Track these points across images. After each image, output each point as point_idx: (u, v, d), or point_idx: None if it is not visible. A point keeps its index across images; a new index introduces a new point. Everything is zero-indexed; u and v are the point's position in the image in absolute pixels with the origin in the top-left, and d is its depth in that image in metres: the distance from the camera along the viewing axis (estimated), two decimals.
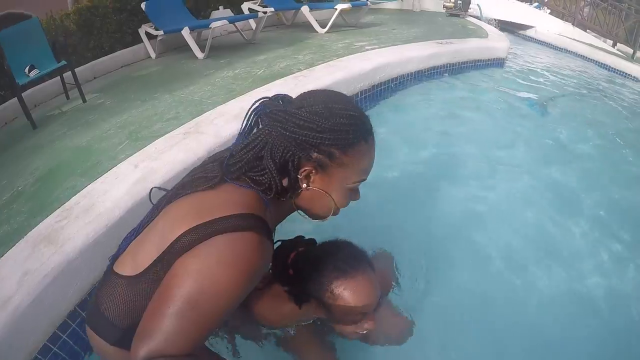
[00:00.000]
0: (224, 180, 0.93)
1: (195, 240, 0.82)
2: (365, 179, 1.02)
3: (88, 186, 1.92)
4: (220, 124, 2.41)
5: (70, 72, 3.84)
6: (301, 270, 1.17)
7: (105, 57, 5.09)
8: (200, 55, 4.79)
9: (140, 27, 5.32)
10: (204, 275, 0.79)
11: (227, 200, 0.89)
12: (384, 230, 2.00)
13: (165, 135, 2.33)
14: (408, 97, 3.93)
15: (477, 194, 2.46)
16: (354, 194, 1.04)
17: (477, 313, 1.72)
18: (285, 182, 0.96)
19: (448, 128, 3.30)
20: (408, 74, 4.13)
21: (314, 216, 1.05)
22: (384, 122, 3.24)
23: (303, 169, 0.94)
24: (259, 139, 0.93)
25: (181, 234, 0.84)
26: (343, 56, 4.04)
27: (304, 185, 0.96)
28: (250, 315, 1.25)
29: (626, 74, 7.51)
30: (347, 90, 3.26)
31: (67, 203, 1.81)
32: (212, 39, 4.85)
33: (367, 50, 4.35)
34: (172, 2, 5.35)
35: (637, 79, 7.34)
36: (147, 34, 5.25)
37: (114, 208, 1.70)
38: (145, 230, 1.00)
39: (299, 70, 3.61)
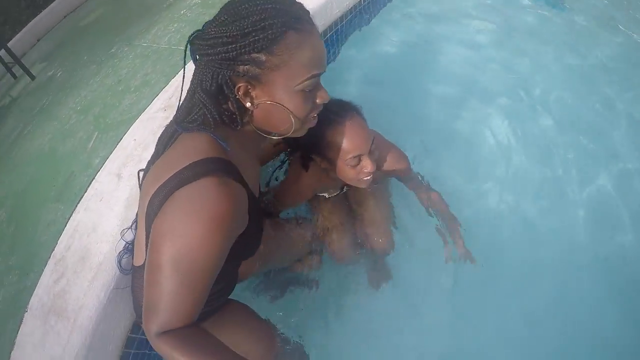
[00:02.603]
0: (179, 133, 0.92)
1: (160, 202, 0.81)
2: (319, 73, 0.88)
3: (71, 219, 1.44)
4: None
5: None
6: (298, 139, 1.08)
7: (43, 12, 4.21)
8: None
9: None
10: (174, 235, 0.77)
11: (180, 153, 0.87)
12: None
13: (140, 117, 1.75)
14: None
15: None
16: (313, 94, 0.92)
17: None
18: (232, 108, 0.89)
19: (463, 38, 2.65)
20: None
21: (281, 133, 0.94)
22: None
23: (237, 88, 0.86)
24: (193, 79, 0.89)
25: (149, 201, 0.84)
26: None
27: (249, 104, 0.88)
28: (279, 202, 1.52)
29: None
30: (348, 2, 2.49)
31: (55, 250, 1.38)
32: None
33: None
34: None
35: None
36: None
37: (114, 251, 1.28)
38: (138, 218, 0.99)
39: None
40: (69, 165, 1.75)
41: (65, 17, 4.28)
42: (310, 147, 1.30)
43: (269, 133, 0.95)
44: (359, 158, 1.25)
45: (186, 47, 0.90)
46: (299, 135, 0.99)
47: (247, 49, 0.81)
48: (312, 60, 0.86)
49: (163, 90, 1.88)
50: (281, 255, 1.53)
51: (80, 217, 1.44)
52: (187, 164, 0.80)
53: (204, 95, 0.86)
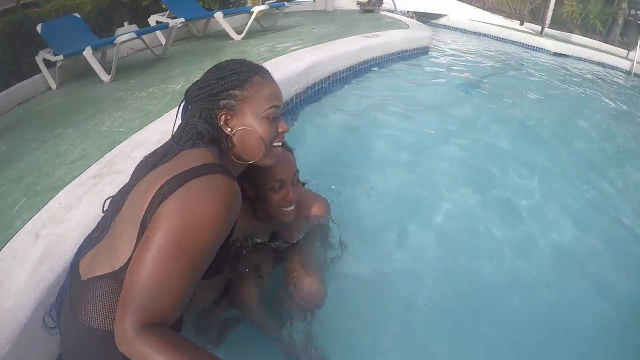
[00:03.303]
0: (177, 151, 1.05)
1: (174, 187, 0.90)
2: (278, 104, 1.15)
3: None
4: (139, 157, 1.96)
5: None
6: None
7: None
8: (106, 78, 4.23)
9: (37, 54, 4.61)
10: (184, 210, 0.86)
11: (191, 158, 1.00)
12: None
13: (71, 183, 1.88)
14: (344, 96, 3.71)
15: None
16: (276, 123, 1.15)
17: None
18: (216, 134, 1.10)
19: (395, 119, 3.37)
20: (341, 70, 3.90)
21: (253, 158, 1.14)
22: (322, 126, 3.07)
23: (219, 117, 1.10)
24: (188, 117, 1.14)
25: (159, 188, 0.91)
26: (269, 59, 3.71)
27: (228, 130, 1.11)
28: None
29: (538, 47, 8.41)
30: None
31: None
32: (119, 59, 4.33)
33: (294, 50, 4.05)
34: (72, 22, 4.75)
35: (548, 50, 8.29)
36: (45, 61, 4.57)
37: (16, 309, 1.26)
38: (107, 234, 1.07)
39: None
40: None
41: (20, 103, 4.44)
42: (244, 171, 1.33)
43: (245, 159, 1.15)
44: (281, 182, 1.42)
45: (181, 103, 1.20)
46: (271, 162, 1.20)
47: (225, 87, 1.09)
48: (272, 95, 1.14)
49: (97, 162, 2.03)
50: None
51: None
52: (202, 163, 0.96)
53: (197, 121, 1.09)
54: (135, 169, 1.17)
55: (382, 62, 4.64)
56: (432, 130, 3.23)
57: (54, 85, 4.61)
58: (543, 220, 2.36)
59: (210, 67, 1.18)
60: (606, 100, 5.12)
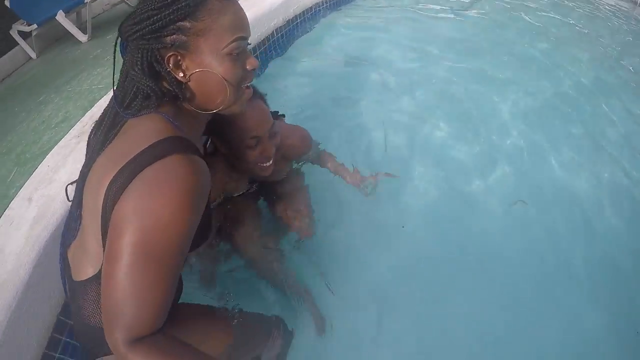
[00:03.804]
0: (124, 120, 0.87)
1: (122, 185, 0.76)
2: (244, 37, 0.91)
3: None
4: None
5: None
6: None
7: None
8: (83, 38, 4.10)
9: (11, 28, 4.47)
10: (142, 215, 0.73)
11: (133, 138, 0.82)
12: None
13: (57, 145, 1.86)
14: (333, 24, 3.48)
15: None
16: (242, 59, 0.93)
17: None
18: (168, 85, 0.89)
19: (384, 45, 3.05)
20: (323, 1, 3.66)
21: (218, 106, 0.93)
22: (313, 56, 2.91)
23: (167, 59, 0.86)
24: (123, 66, 0.89)
25: (109, 184, 0.78)
26: None
27: (181, 75, 0.88)
28: None
29: None
30: (261, 31, 2.81)
31: None
32: (96, 17, 4.17)
33: None
34: None
35: None
36: (21, 33, 4.42)
37: (18, 268, 1.30)
38: (80, 227, 0.94)
39: None
40: None
41: (3, 79, 4.37)
42: (215, 128, 1.23)
43: (208, 108, 0.94)
44: (258, 140, 1.26)
45: (116, 41, 0.91)
46: (238, 111, 0.98)
47: (171, 17, 0.82)
48: (235, 24, 0.88)
49: (79, 122, 2.00)
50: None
51: None
52: (146, 146, 0.78)
53: (138, 74, 0.85)
54: (88, 144, 1.00)
55: None
56: (425, 53, 2.97)
57: (33, 55, 4.49)
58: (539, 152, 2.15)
59: None
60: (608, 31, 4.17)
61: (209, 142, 1.39)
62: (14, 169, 1.94)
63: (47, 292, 1.34)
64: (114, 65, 0.95)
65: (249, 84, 0.98)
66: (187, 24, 0.83)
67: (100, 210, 0.80)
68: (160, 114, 0.86)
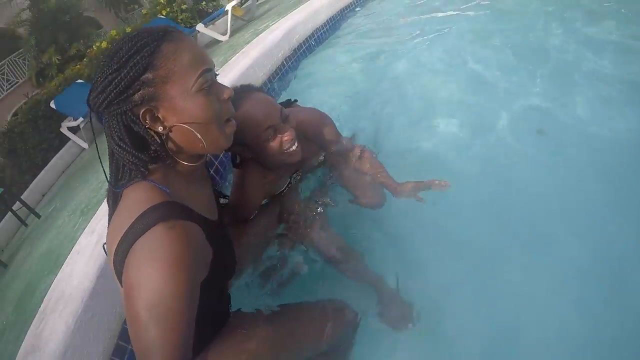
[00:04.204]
0: (118, 192, 0.89)
1: (121, 260, 0.81)
2: (209, 68, 0.88)
3: (57, 275, 1.70)
4: None
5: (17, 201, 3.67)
6: None
7: (42, 171, 4.87)
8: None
9: (60, 126, 5.08)
10: (141, 286, 0.79)
11: (127, 209, 0.85)
12: None
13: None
14: (334, 45, 3.71)
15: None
16: (214, 91, 0.91)
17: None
18: (152, 144, 0.88)
19: (391, 57, 3.07)
20: (322, 24, 3.94)
21: (207, 147, 0.92)
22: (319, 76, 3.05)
23: (142, 117, 0.85)
24: (106, 139, 0.89)
25: (113, 261, 0.84)
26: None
27: (161, 128, 0.86)
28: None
29: None
30: (271, 64, 3.06)
31: (42, 305, 1.58)
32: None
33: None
34: (79, 87, 5.10)
35: None
36: (70, 129, 5.01)
37: (82, 284, 1.49)
38: None
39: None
40: (59, 248, 2.10)
41: (64, 171, 4.90)
42: (237, 142, 1.18)
43: (198, 154, 0.95)
44: (274, 129, 1.23)
45: (89, 111, 0.92)
46: (227, 144, 0.97)
47: (132, 74, 0.82)
48: (195, 59, 0.87)
49: None
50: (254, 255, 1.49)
51: (63, 269, 1.69)
52: (135, 217, 0.82)
53: (120, 144, 0.86)
54: (108, 204, 1.02)
55: (363, 1, 4.60)
56: (436, 56, 2.73)
57: (85, 145, 5.04)
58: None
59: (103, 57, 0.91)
60: None
61: (236, 157, 1.39)
62: (79, 219, 2.21)
63: (112, 302, 1.47)
64: (97, 146, 0.96)
65: (229, 116, 0.97)
66: (149, 75, 0.83)
67: (117, 277, 0.87)
68: (148, 181, 0.87)
